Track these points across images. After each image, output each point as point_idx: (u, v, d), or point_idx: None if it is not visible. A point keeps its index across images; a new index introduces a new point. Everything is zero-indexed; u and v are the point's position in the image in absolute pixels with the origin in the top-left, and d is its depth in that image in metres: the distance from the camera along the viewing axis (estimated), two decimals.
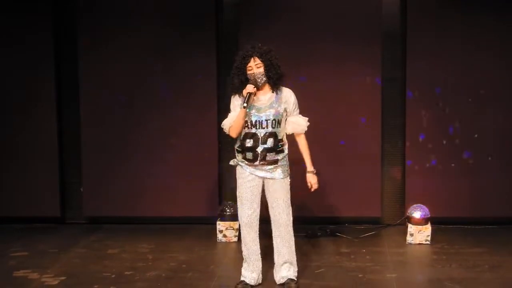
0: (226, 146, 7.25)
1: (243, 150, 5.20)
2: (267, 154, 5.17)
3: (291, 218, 5.32)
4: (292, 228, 5.33)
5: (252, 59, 5.11)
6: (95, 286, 5.51)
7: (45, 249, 6.53)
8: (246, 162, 5.21)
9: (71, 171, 7.48)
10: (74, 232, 7.18)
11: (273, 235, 5.33)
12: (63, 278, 5.71)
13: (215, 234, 6.75)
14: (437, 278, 5.62)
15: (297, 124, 5.26)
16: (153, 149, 7.24)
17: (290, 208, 5.30)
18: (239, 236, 6.68)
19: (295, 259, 5.39)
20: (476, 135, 7.02)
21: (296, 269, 5.41)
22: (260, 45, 5.18)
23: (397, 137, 7.21)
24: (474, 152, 7.02)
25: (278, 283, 5.40)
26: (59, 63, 7.37)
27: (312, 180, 5.30)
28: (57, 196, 7.38)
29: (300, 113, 5.33)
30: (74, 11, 7.28)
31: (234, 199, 7.02)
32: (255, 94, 5.12)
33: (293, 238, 5.35)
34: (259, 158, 5.17)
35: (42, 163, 7.34)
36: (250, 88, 5.08)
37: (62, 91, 7.41)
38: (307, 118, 5.31)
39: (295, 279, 5.37)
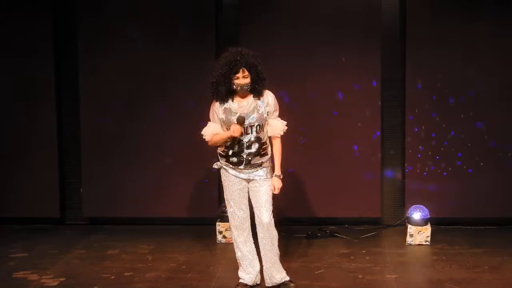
0: None
1: (228, 154, 5.21)
2: (252, 158, 5.19)
3: (272, 218, 5.28)
4: (274, 228, 5.31)
5: (241, 70, 5.05)
6: (95, 287, 5.51)
7: (45, 250, 6.53)
8: (231, 166, 5.23)
9: (71, 172, 7.48)
10: (74, 233, 7.18)
11: (258, 236, 5.31)
12: (62, 279, 5.71)
13: (215, 235, 6.75)
14: (437, 278, 5.62)
15: (274, 127, 5.24)
16: (153, 150, 7.23)
17: (272, 208, 5.28)
18: None
19: (278, 258, 5.36)
20: (476, 136, 7.01)
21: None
22: (245, 51, 5.09)
23: (397, 138, 7.21)
24: (473, 153, 7.02)
25: (269, 285, 5.36)
26: (59, 63, 7.37)
27: (276, 184, 5.25)
28: (57, 197, 7.38)
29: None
30: (74, 11, 7.27)
31: None
32: (241, 134, 5.10)
33: (276, 238, 5.33)
34: (244, 162, 5.19)
35: (42, 163, 7.33)
36: (237, 132, 5.05)
37: (62, 91, 7.41)
38: (285, 122, 5.30)
39: (290, 278, 5.37)
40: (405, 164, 7.13)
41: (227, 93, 5.11)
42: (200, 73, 7.12)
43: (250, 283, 5.37)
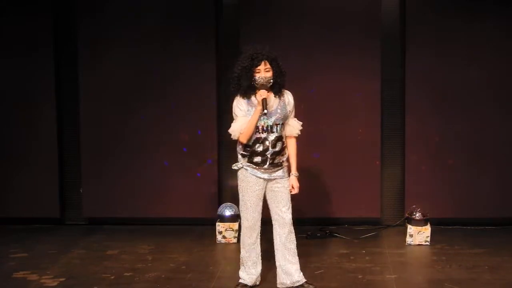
0: (227, 148, 7.28)
1: (252, 154, 5.16)
2: (276, 157, 5.17)
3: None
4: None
5: (263, 62, 5.06)
6: (95, 287, 5.51)
7: (45, 250, 6.53)
8: (253, 166, 5.19)
9: (71, 172, 7.47)
10: (74, 233, 7.17)
11: (277, 235, 5.28)
12: (62, 279, 5.70)
13: (215, 235, 6.75)
14: (437, 279, 5.62)
15: (292, 126, 5.27)
16: (152, 150, 7.23)
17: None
18: (238, 237, 6.69)
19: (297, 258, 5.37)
20: (476, 136, 7.01)
21: None
22: (267, 48, 5.11)
23: (397, 138, 7.21)
24: (473, 153, 7.02)
25: (285, 286, 5.31)
26: (59, 63, 7.36)
27: (295, 183, 5.28)
28: (56, 197, 7.37)
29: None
30: (74, 12, 7.27)
31: (233, 200, 7.05)
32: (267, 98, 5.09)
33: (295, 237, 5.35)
34: (268, 161, 5.16)
35: (42, 163, 7.33)
36: (264, 93, 5.04)
37: (62, 91, 7.41)
38: (301, 122, 5.31)
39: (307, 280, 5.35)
40: (405, 164, 7.13)
41: (248, 88, 5.09)
42: (200, 73, 7.13)
43: (250, 283, 5.35)
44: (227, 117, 7.17)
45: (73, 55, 7.31)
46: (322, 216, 7.15)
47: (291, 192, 5.28)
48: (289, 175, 5.29)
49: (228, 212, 6.80)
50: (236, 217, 6.77)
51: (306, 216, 7.12)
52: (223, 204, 6.93)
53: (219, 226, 6.74)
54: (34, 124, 7.32)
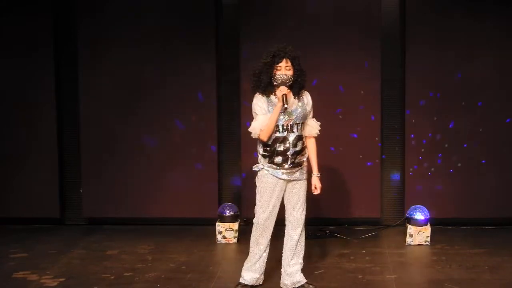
0: (227, 148, 7.28)
1: (272, 154, 5.14)
2: (296, 157, 5.16)
3: None
4: None
5: (284, 60, 5.06)
6: (95, 287, 5.51)
7: (45, 250, 6.52)
8: (274, 167, 5.16)
9: (71, 172, 7.47)
10: (74, 233, 7.18)
11: (288, 236, 5.29)
12: (62, 279, 5.70)
13: (215, 235, 6.75)
14: (437, 279, 5.63)
15: (311, 126, 5.28)
16: (152, 150, 7.23)
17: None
18: (238, 238, 6.69)
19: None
20: (475, 137, 7.01)
21: None
22: (291, 47, 5.12)
23: (397, 138, 7.20)
24: (473, 153, 7.02)
25: (287, 287, 5.33)
26: (59, 63, 7.36)
27: (317, 184, 5.29)
28: (56, 197, 7.37)
29: None
30: (74, 12, 7.28)
31: (233, 200, 7.06)
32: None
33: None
34: (289, 161, 5.14)
35: (42, 164, 7.33)
36: (285, 89, 5.01)
37: (62, 91, 7.41)
38: (319, 123, 5.32)
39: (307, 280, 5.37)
40: (405, 164, 7.13)
41: (268, 84, 5.07)
42: (200, 73, 7.13)
43: (251, 283, 5.33)
44: (227, 118, 7.24)
45: (73, 55, 7.32)
46: (322, 216, 7.15)
47: (313, 192, 5.28)
48: (306, 177, 5.28)
49: (228, 212, 6.80)
50: (236, 217, 6.78)
51: (306, 216, 7.11)
52: (223, 204, 6.94)
53: (219, 226, 6.74)
54: (34, 124, 7.32)
